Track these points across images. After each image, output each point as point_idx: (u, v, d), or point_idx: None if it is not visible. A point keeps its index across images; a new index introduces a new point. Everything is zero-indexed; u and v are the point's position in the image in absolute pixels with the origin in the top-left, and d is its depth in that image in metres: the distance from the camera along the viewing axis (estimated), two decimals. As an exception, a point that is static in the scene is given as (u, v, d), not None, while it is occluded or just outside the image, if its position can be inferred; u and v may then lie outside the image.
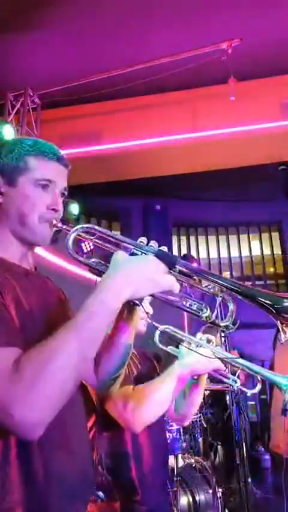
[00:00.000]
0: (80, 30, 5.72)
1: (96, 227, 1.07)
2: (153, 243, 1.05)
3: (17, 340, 0.90)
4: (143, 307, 1.08)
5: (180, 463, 3.24)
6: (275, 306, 0.97)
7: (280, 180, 9.49)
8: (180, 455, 3.30)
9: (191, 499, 3.05)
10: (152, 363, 1.91)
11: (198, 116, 6.47)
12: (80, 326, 0.87)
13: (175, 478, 2.98)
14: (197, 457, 3.60)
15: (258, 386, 1.65)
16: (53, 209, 1.11)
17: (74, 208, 6.11)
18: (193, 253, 10.67)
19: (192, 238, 11.56)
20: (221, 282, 1.03)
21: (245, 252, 11.48)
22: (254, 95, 6.18)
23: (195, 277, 1.06)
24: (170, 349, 1.79)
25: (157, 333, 1.79)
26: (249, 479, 3.70)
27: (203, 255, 11.33)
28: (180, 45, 5.59)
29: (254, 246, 11.52)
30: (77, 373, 0.86)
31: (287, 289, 10.84)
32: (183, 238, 11.57)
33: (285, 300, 0.97)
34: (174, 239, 11.32)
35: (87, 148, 6.70)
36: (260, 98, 6.25)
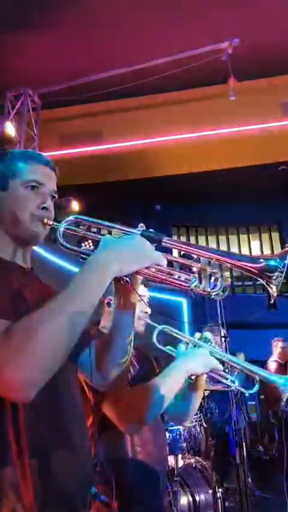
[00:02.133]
0: (80, 30, 5.72)
1: (85, 217, 1.14)
2: (141, 226, 1.12)
3: (8, 314, 0.93)
4: (133, 287, 1.13)
5: (180, 463, 3.24)
6: (255, 266, 1.07)
7: (280, 180, 9.49)
8: (180, 455, 3.29)
9: (191, 499, 3.04)
10: (151, 365, 1.90)
11: (198, 116, 6.47)
12: (69, 297, 0.91)
13: (175, 478, 2.97)
14: (197, 457, 3.60)
15: (257, 387, 1.65)
16: (43, 208, 1.16)
17: (75, 206, 6.10)
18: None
19: (192, 238, 11.55)
20: (206, 252, 1.12)
21: (245, 252, 11.48)
22: (254, 95, 6.18)
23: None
24: (168, 349, 1.79)
25: (155, 332, 1.79)
26: (249, 479, 3.70)
27: (205, 260, 11.32)
28: (180, 45, 5.60)
29: (254, 246, 11.52)
30: (67, 341, 0.89)
31: (287, 289, 10.83)
32: (183, 238, 11.56)
33: (261, 260, 1.06)
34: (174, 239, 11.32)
35: (87, 148, 6.70)
36: (260, 98, 6.25)
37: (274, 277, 1.05)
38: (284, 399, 1.51)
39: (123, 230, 1.10)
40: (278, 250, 11.27)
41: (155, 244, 1.06)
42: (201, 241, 11.56)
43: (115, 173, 7.38)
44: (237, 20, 5.48)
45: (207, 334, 1.73)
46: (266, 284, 1.06)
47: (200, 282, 1.09)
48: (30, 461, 0.94)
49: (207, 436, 3.96)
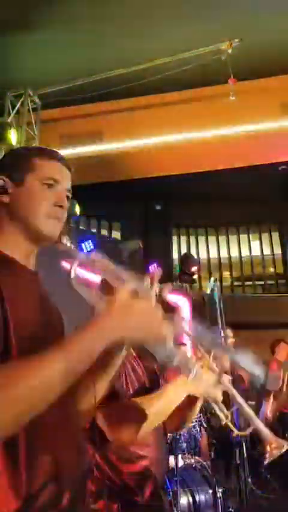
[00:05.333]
0: (80, 31, 5.72)
1: (98, 259, 1.09)
2: (156, 286, 1.04)
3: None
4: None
5: (180, 463, 3.24)
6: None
7: (280, 180, 9.49)
8: (180, 455, 3.29)
9: (191, 499, 3.04)
10: (154, 375, 1.87)
11: (198, 116, 6.47)
12: (58, 357, 0.88)
13: (175, 478, 2.97)
14: (197, 457, 3.59)
15: (249, 430, 1.57)
16: (59, 206, 1.14)
17: (76, 207, 6.09)
18: (193, 253, 10.66)
19: (192, 238, 11.56)
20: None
21: (245, 252, 11.48)
22: (254, 95, 6.18)
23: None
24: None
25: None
26: (249, 479, 3.69)
27: (203, 255, 11.32)
28: (180, 45, 5.60)
29: (254, 246, 11.52)
30: (43, 401, 0.87)
31: (286, 289, 10.84)
32: (183, 238, 11.56)
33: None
34: (174, 239, 11.32)
35: (87, 149, 6.70)
36: (259, 97, 6.25)
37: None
38: (267, 461, 1.43)
39: (139, 287, 0.99)
40: (278, 250, 11.28)
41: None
42: (201, 241, 11.56)
43: (115, 173, 7.38)
44: (237, 20, 5.48)
45: (223, 357, 1.68)
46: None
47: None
48: (21, 455, 0.93)
49: (208, 436, 3.96)
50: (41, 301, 1.11)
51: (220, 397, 1.60)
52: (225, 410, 1.61)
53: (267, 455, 1.41)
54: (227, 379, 1.61)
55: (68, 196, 1.18)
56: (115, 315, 0.93)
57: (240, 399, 1.58)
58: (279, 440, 1.46)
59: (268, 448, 1.41)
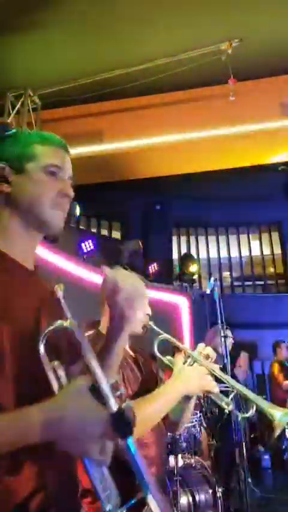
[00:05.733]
0: (80, 31, 5.72)
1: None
2: (122, 391, 0.97)
3: None
4: None
5: (180, 463, 3.24)
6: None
7: (280, 180, 9.50)
8: (180, 455, 3.29)
9: (191, 499, 3.04)
10: (152, 372, 1.87)
11: (198, 115, 6.47)
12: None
13: (175, 478, 2.97)
14: (197, 457, 3.60)
15: (252, 412, 1.58)
16: (64, 194, 1.08)
17: (76, 208, 6.07)
18: (193, 253, 10.67)
19: (192, 238, 11.56)
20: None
21: (245, 252, 11.49)
22: (254, 95, 6.18)
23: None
24: (167, 359, 1.76)
25: (157, 340, 1.74)
26: (249, 479, 3.70)
27: (203, 255, 11.33)
28: (180, 45, 5.60)
29: (254, 246, 11.53)
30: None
31: (286, 289, 10.84)
32: (183, 238, 11.57)
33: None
34: (174, 239, 11.32)
35: (88, 149, 6.70)
36: (260, 98, 6.25)
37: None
38: (276, 434, 1.43)
39: (106, 392, 0.88)
40: (278, 250, 11.28)
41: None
42: (201, 241, 11.56)
43: (115, 173, 7.38)
44: (237, 20, 5.48)
45: (209, 351, 1.69)
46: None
47: None
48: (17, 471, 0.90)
49: (208, 436, 3.96)
50: (36, 300, 1.05)
51: (216, 388, 1.60)
52: (225, 398, 1.61)
53: (275, 429, 1.42)
54: (217, 368, 1.62)
55: (71, 184, 1.12)
56: (58, 417, 0.85)
57: (234, 382, 1.59)
58: (280, 409, 1.47)
59: (275, 421, 1.42)
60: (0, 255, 1.03)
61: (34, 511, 0.89)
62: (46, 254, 5.30)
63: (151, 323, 1.71)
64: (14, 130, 1.20)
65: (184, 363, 1.66)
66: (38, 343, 0.92)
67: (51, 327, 0.93)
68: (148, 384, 1.66)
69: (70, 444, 0.85)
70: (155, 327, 1.71)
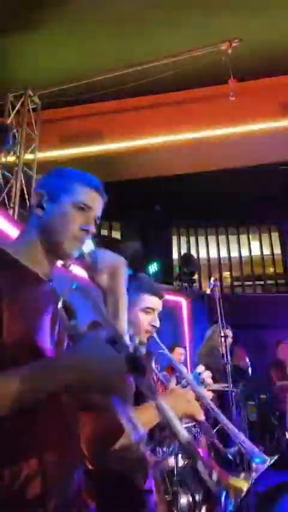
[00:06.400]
0: (80, 31, 5.72)
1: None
2: (136, 343, 1.09)
3: None
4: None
5: (180, 463, 3.24)
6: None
7: (280, 180, 9.50)
8: (180, 455, 3.29)
9: (191, 499, 3.04)
10: (150, 378, 1.87)
11: (198, 116, 6.47)
12: (18, 381, 0.90)
13: (175, 478, 2.97)
14: (197, 457, 3.59)
15: (235, 450, 1.55)
16: (86, 230, 1.19)
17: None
18: (193, 253, 10.67)
19: (192, 238, 11.56)
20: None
21: (245, 252, 11.49)
22: (254, 95, 6.18)
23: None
24: (162, 375, 1.76)
25: (154, 356, 1.74)
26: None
27: (203, 255, 11.33)
28: (180, 45, 5.60)
29: (254, 246, 11.52)
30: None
31: (286, 289, 10.84)
32: (183, 238, 11.56)
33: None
34: (174, 239, 11.32)
35: (87, 149, 6.70)
36: (260, 97, 6.25)
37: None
38: (254, 476, 1.39)
39: (115, 337, 0.99)
40: (278, 250, 11.28)
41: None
42: (201, 241, 11.56)
43: (115, 173, 7.38)
44: (237, 20, 5.48)
45: (205, 375, 1.67)
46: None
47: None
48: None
49: (207, 436, 3.96)
50: (47, 310, 1.13)
51: (201, 416, 1.56)
52: (210, 429, 1.58)
53: (252, 472, 1.36)
54: (207, 397, 1.60)
55: (95, 222, 1.24)
56: (81, 359, 0.95)
57: (222, 417, 1.55)
58: (263, 455, 1.42)
59: (254, 466, 1.38)
60: (24, 267, 1.14)
61: (31, 501, 0.93)
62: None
63: (155, 335, 1.72)
64: (60, 168, 1.32)
65: (177, 384, 1.65)
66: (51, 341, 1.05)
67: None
68: (144, 396, 1.67)
69: (97, 382, 0.94)
70: (158, 340, 1.72)
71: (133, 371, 0.93)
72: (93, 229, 1.22)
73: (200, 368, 1.70)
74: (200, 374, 1.67)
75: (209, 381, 1.67)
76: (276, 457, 1.39)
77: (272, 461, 1.36)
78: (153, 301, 1.79)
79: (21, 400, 0.90)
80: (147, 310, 1.76)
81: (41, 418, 0.99)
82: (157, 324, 1.78)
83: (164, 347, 1.71)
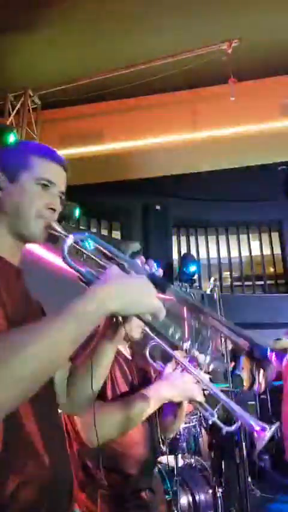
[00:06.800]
0: (80, 30, 5.72)
1: (98, 239, 1.09)
2: (151, 265, 1.08)
3: None
4: (125, 327, 1.09)
5: (180, 463, 3.24)
6: (257, 352, 1.00)
7: (280, 180, 9.50)
8: (180, 455, 3.30)
9: (191, 499, 3.05)
10: (147, 374, 1.87)
11: (198, 116, 6.47)
12: (59, 323, 0.85)
13: (175, 478, 2.97)
14: (197, 457, 3.60)
15: (235, 426, 1.58)
16: (51, 208, 1.12)
17: (76, 210, 6.03)
18: (193, 253, 10.67)
19: (192, 238, 11.55)
20: (205, 314, 1.05)
21: (245, 252, 11.47)
22: (254, 95, 6.18)
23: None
24: (158, 364, 1.77)
25: (148, 347, 1.76)
26: (249, 479, 3.70)
27: (203, 255, 11.32)
28: (180, 45, 5.60)
29: (254, 246, 11.51)
30: (47, 370, 0.83)
31: (286, 289, 10.84)
32: (183, 238, 11.56)
33: (262, 348, 1.00)
34: (174, 239, 11.31)
35: (87, 149, 6.70)
36: (260, 98, 6.25)
37: (268, 370, 0.99)
38: (258, 449, 1.43)
39: (130, 265, 1.03)
40: (278, 250, 11.27)
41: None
42: (201, 241, 11.56)
43: (115, 173, 7.38)
44: (237, 20, 5.48)
45: (200, 358, 1.70)
46: (256, 370, 1.02)
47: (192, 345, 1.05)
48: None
49: (208, 436, 3.97)
50: (24, 297, 1.11)
51: (200, 397, 1.61)
52: (209, 408, 1.62)
53: (256, 442, 1.40)
54: (205, 377, 1.63)
55: (61, 198, 1.16)
56: (109, 286, 0.92)
57: (220, 394, 1.59)
58: (262, 424, 1.45)
59: (255, 436, 1.40)
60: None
61: (22, 505, 0.90)
62: (47, 255, 5.29)
63: (146, 328, 1.73)
64: (15, 140, 1.24)
65: (174, 370, 1.67)
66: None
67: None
68: (140, 388, 1.67)
69: (129, 305, 0.93)
70: (149, 332, 1.73)
71: (156, 287, 0.95)
72: (59, 206, 1.14)
73: (194, 352, 1.73)
74: (194, 357, 1.69)
75: (202, 360, 1.70)
76: (277, 424, 1.41)
77: (272, 429, 1.38)
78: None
79: (75, 339, 0.85)
80: None
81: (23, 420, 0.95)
82: (149, 318, 1.78)
83: (155, 337, 1.72)
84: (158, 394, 1.59)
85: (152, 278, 0.98)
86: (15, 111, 6.27)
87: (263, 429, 1.38)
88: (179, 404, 1.69)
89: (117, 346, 1.19)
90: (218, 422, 1.58)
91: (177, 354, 1.66)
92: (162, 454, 2.92)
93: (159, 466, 2.67)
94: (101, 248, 1.08)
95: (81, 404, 1.22)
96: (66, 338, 0.85)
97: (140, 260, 1.08)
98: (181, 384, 1.60)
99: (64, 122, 6.85)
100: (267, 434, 1.37)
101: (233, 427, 1.55)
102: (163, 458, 2.79)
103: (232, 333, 1.02)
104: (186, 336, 1.05)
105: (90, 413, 1.36)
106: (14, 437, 0.92)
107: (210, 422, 1.62)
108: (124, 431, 1.54)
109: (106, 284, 0.92)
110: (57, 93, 6.23)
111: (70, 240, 1.04)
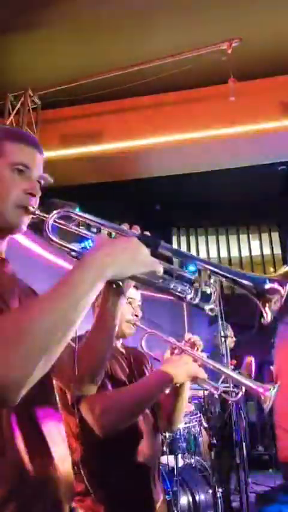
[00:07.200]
0: (80, 30, 5.72)
1: (75, 211, 1.07)
2: (136, 228, 1.06)
3: None
4: (123, 289, 1.10)
5: (180, 463, 3.24)
6: (257, 288, 1.00)
7: (280, 180, 9.50)
8: (180, 455, 3.30)
9: (191, 499, 3.05)
10: (142, 367, 1.90)
11: (198, 116, 6.46)
12: (62, 295, 0.83)
13: (175, 478, 2.98)
14: (197, 457, 3.60)
15: (240, 394, 1.65)
16: (30, 193, 1.07)
17: (76, 210, 6.02)
18: (193, 253, 10.67)
19: (192, 238, 11.56)
20: (204, 264, 1.04)
21: (245, 252, 11.48)
22: (254, 95, 6.17)
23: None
24: (154, 353, 1.80)
25: (144, 336, 1.79)
26: (249, 479, 3.70)
27: (203, 255, 11.33)
28: (180, 45, 5.60)
29: (254, 246, 11.52)
30: (60, 340, 0.82)
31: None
32: (183, 238, 11.57)
33: (262, 280, 0.99)
34: (174, 239, 11.32)
35: (87, 149, 6.70)
36: (260, 98, 6.25)
37: (274, 301, 0.99)
38: (267, 407, 1.51)
39: (120, 231, 1.04)
40: (278, 250, 11.28)
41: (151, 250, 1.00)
42: (201, 241, 11.56)
43: (115, 173, 7.38)
44: (237, 20, 5.48)
45: (195, 339, 1.74)
46: (263, 307, 1.01)
47: (196, 294, 1.05)
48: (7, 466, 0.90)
49: (208, 436, 3.96)
50: (13, 282, 1.10)
51: (203, 373, 1.66)
52: (213, 383, 1.67)
53: (264, 404, 1.50)
54: (203, 355, 1.67)
55: (40, 183, 1.11)
56: (101, 252, 0.91)
57: (221, 366, 1.68)
58: (264, 385, 1.54)
59: (262, 397, 1.49)
60: None
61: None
62: (47, 255, 5.29)
63: (137, 322, 1.78)
64: None
65: (171, 355, 1.72)
66: None
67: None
68: (136, 379, 1.71)
69: (125, 266, 0.93)
70: (140, 325, 1.79)
71: (147, 246, 0.96)
72: (38, 190, 1.09)
73: (188, 335, 1.75)
74: (189, 339, 1.73)
75: (199, 343, 1.73)
76: (278, 386, 1.52)
77: (276, 389, 1.49)
78: (133, 292, 1.83)
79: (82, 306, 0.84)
80: (128, 300, 1.80)
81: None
82: (140, 313, 1.83)
83: (147, 328, 1.78)
84: (159, 376, 1.63)
85: (142, 238, 0.99)
86: (15, 111, 6.27)
87: (267, 390, 1.48)
88: (181, 386, 1.72)
89: (118, 318, 1.18)
90: (224, 395, 1.68)
91: (172, 338, 1.72)
92: (163, 453, 2.93)
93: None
94: (86, 220, 1.07)
95: (89, 380, 1.19)
96: (74, 308, 0.84)
97: (124, 226, 1.07)
98: (183, 365, 1.64)
99: (64, 122, 6.85)
100: (272, 393, 1.47)
101: (239, 395, 1.66)
102: (163, 458, 2.79)
103: (232, 275, 1.03)
104: (188, 289, 1.06)
105: (106, 399, 1.39)
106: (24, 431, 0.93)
107: (216, 396, 1.71)
108: (135, 417, 1.58)
109: (98, 251, 0.91)
110: (57, 93, 6.23)
111: (51, 220, 1.01)
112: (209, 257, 11.30)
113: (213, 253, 11.43)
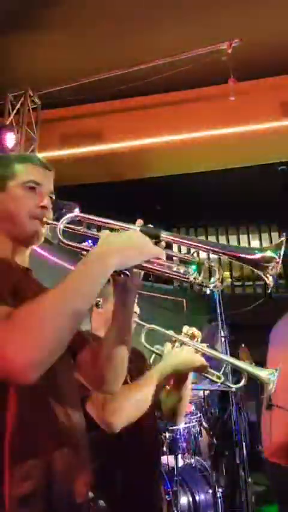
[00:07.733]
0: (80, 30, 5.72)
1: (84, 215, 1.16)
2: (139, 222, 1.15)
3: (7, 301, 0.98)
4: (131, 285, 1.15)
5: (180, 463, 3.24)
6: (252, 258, 1.13)
7: (280, 180, 9.49)
8: (180, 455, 3.30)
9: (191, 499, 3.05)
10: (143, 362, 1.92)
11: (198, 116, 6.46)
12: (71, 285, 0.92)
13: (175, 478, 2.98)
14: (197, 457, 3.60)
15: (243, 382, 1.70)
16: (42, 206, 1.18)
17: (76, 210, 6.04)
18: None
19: (192, 239, 11.56)
20: (203, 245, 1.21)
21: (245, 252, 11.49)
22: (254, 95, 6.17)
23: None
24: (156, 348, 1.82)
25: (143, 331, 1.81)
26: (249, 479, 3.70)
27: (203, 255, 11.34)
28: (180, 45, 5.59)
29: (254, 246, 11.53)
30: (70, 326, 0.91)
31: (287, 289, 10.84)
32: (183, 239, 11.58)
33: (256, 251, 1.13)
34: (174, 239, 11.33)
35: (87, 149, 6.69)
36: (260, 98, 6.25)
37: (270, 268, 1.10)
38: (267, 394, 1.57)
39: (123, 226, 1.12)
40: (278, 250, 11.29)
41: (153, 240, 1.09)
42: (201, 241, 11.57)
43: (115, 173, 7.38)
44: (237, 20, 5.47)
45: (194, 330, 1.76)
46: (263, 275, 1.11)
47: (199, 275, 1.12)
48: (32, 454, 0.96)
49: (208, 436, 3.97)
50: (40, 287, 1.18)
51: (204, 362, 1.69)
52: (215, 372, 1.71)
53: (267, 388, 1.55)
54: (203, 345, 1.70)
55: (51, 197, 1.23)
56: (106, 245, 1.01)
57: (222, 355, 1.73)
58: (266, 370, 1.61)
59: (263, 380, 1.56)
60: (6, 261, 1.16)
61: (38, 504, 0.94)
62: (46, 254, 5.30)
63: (136, 319, 1.79)
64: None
65: (172, 348, 1.75)
66: None
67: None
68: (135, 378, 1.72)
69: (129, 255, 1.01)
70: (139, 321, 1.82)
71: (150, 237, 1.05)
72: (50, 204, 1.21)
73: (186, 328, 1.78)
74: (187, 332, 1.77)
75: (198, 333, 1.76)
76: (279, 370, 1.57)
77: (277, 372, 1.54)
78: None
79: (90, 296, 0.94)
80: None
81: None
82: (137, 309, 1.84)
83: (146, 324, 1.81)
84: (161, 369, 1.65)
85: (144, 230, 1.08)
86: (15, 111, 6.26)
87: (269, 375, 1.54)
88: (183, 376, 1.75)
89: (133, 312, 1.24)
90: (226, 383, 1.77)
91: (172, 332, 1.75)
92: (163, 453, 2.93)
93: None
94: (92, 221, 1.16)
95: (110, 379, 1.24)
96: (82, 297, 0.93)
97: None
98: (183, 355, 1.67)
99: (64, 122, 6.84)
100: (274, 377, 1.53)
101: (241, 384, 1.69)
102: (163, 458, 2.79)
103: (228, 251, 1.17)
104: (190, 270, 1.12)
105: (115, 397, 1.41)
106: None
107: (218, 385, 1.76)
108: (141, 411, 1.59)
109: (102, 245, 1.01)
110: (57, 93, 6.23)
111: (62, 223, 1.10)
112: (209, 257, 11.31)
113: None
